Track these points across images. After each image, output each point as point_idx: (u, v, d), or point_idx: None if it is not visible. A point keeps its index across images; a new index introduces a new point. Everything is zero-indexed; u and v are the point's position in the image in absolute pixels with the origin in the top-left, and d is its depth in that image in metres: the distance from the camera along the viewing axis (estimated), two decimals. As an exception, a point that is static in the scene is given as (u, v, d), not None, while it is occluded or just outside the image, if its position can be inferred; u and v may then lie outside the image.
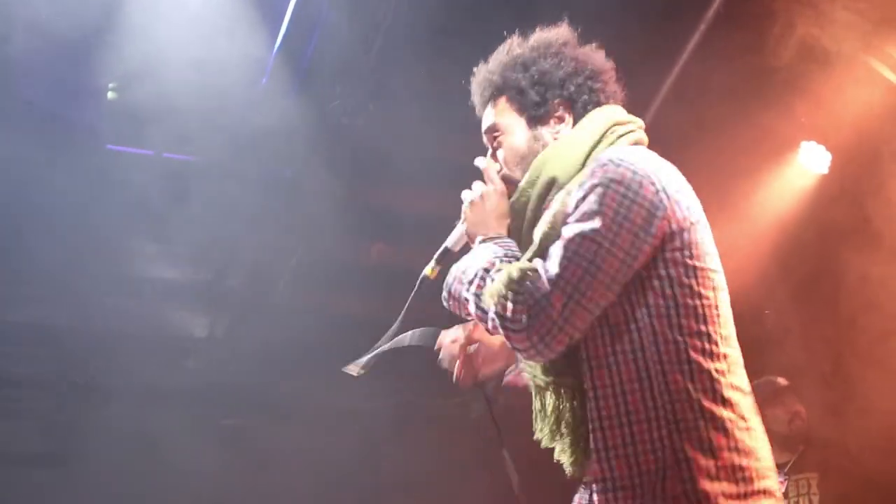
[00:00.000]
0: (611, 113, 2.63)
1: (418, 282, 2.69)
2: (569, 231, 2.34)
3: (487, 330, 2.43)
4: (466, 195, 2.65)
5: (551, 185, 2.52)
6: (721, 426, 2.29)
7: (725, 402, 2.31)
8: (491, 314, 2.36)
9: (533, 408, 2.56)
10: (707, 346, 2.33)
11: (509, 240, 2.55)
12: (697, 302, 2.35)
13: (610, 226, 2.31)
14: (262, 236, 6.13)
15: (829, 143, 5.68)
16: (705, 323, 2.35)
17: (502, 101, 2.67)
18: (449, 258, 2.67)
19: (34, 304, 6.25)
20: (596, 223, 2.31)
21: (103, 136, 5.60)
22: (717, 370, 2.33)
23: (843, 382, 5.38)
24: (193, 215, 5.79)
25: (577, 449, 2.41)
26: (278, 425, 6.73)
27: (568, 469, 2.47)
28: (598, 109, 2.63)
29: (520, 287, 2.30)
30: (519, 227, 2.57)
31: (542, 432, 2.50)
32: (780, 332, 5.84)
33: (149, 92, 5.18)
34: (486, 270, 2.43)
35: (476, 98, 2.74)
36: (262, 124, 5.38)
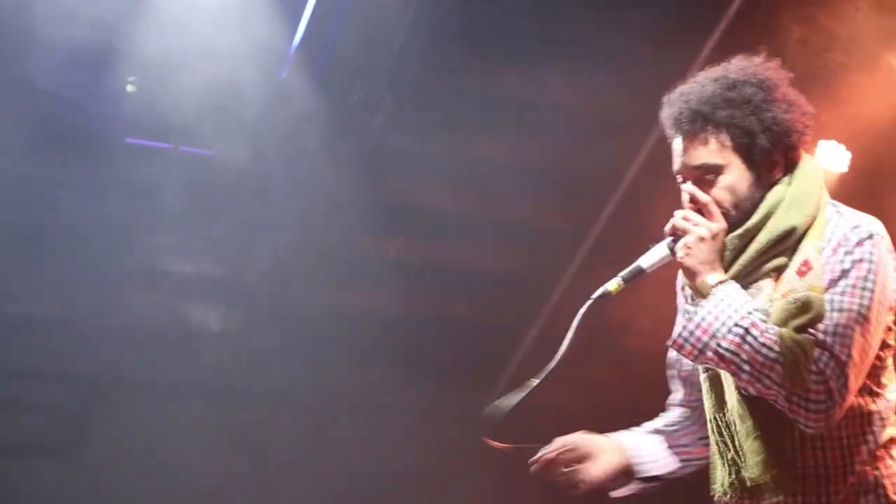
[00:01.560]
0: (818, 166, 2.67)
1: (597, 295, 2.64)
2: (843, 303, 2.41)
3: (765, 397, 2.43)
4: (686, 225, 2.56)
5: (786, 234, 2.52)
6: None
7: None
8: (786, 392, 2.38)
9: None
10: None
11: (740, 288, 2.51)
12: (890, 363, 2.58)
13: (877, 308, 2.43)
14: (279, 231, 6.13)
15: (849, 141, 5.66)
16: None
17: (723, 137, 2.56)
18: (636, 279, 2.64)
19: (51, 297, 6.25)
20: (867, 301, 2.41)
21: (122, 129, 5.61)
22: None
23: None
24: (210, 209, 5.79)
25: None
26: (291, 421, 6.72)
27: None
28: (808, 159, 2.65)
29: (817, 367, 2.36)
30: (729, 262, 2.55)
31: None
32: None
33: (168, 85, 5.18)
34: (750, 331, 2.42)
35: (680, 124, 2.60)
36: (281, 118, 5.38)
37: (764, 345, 2.37)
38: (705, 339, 2.44)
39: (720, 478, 2.62)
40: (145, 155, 5.70)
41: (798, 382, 2.34)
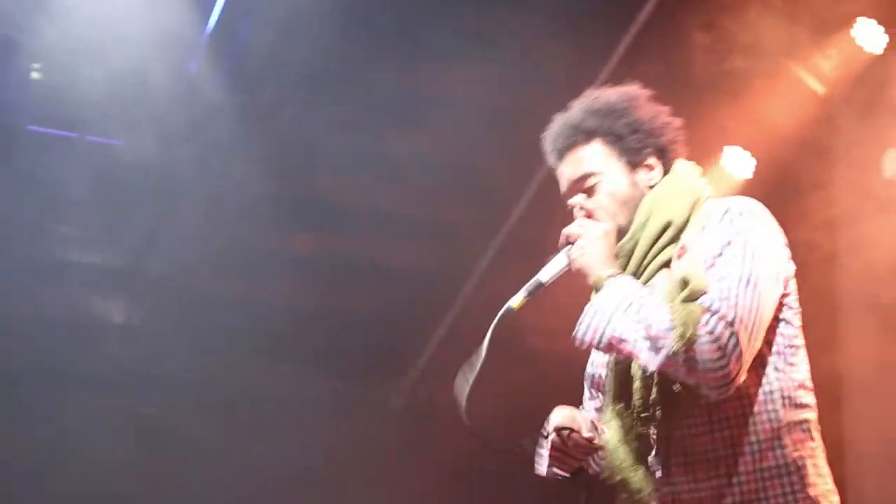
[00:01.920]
0: (695, 167, 2.78)
1: (502, 313, 2.64)
2: (724, 272, 2.47)
3: (665, 368, 2.46)
4: (578, 230, 2.65)
5: (665, 228, 2.62)
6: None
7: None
8: (682, 356, 2.42)
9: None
10: (807, 384, 2.63)
11: (631, 278, 2.58)
12: (798, 343, 2.63)
13: (759, 271, 2.48)
14: (184, 223, 6.07)
15: (754, 148, 5.77)
16: (804, 364, 2.64)
17: (596, 145, 2.70)
18: (538, 291, 2.67)
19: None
20: (747, 266, 2.48)
21: (25, 116, 5.51)
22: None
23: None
24: (115, 200, 5.72)
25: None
26: (195, 414, 6.66)
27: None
28: (682, 161, 2.76)
29: (707, 327, 2.41)
30: (623, 265, 2.63)
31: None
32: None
33: (74, 73, 5.10)
34: (641, 309, 2.48)
35: (557, 144, 2.75)
36: (191, 110, 5.33)
37: (657, 317, 2.45)
38: (602, 325, 2.51)
39: (618, 461, 2.66)
40: (49, 144, 5.60)
41: (691, 345, 2.40)
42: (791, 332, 2.60)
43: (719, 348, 2.40)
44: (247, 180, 5.78)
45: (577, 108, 2.75)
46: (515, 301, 2.66)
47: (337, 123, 5.62)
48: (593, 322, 2.52)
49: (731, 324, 2.41)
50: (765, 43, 5.35)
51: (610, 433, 2.68)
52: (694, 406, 2.54)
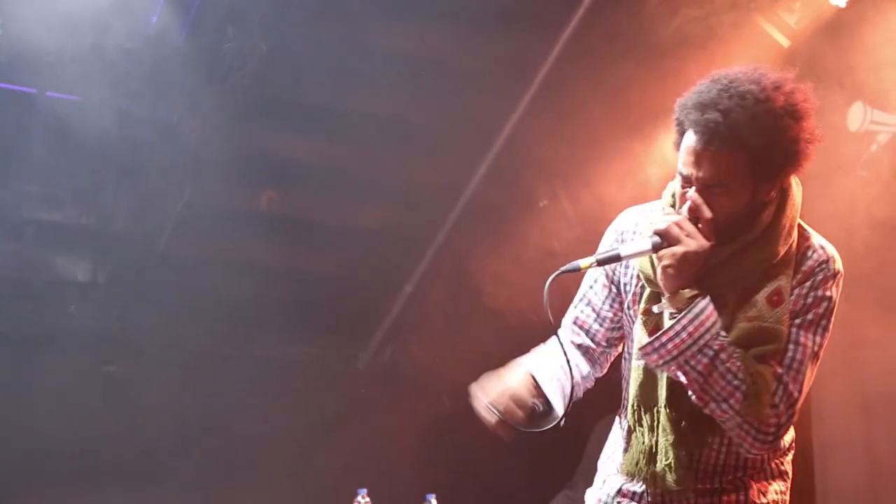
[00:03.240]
0: (799, 186, 2.72)
1: (568, 268, 2.61)
2: (802, 338, 2.56)
3: (715, 416, 2.54)
4: (680, 234, 2.56)
5: (768, 260, 2.60)
6: None
7: None
8: (741, 419, 2.51)
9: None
10: None
11: (711, 304, 2.56)
12: None
13: (825, 345, 2.61)
14: (148, 181, 6.01)
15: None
16: None
17: (743, 158, 2.54)
18: (610, 262, 2.66)
19: None
20: (820, 339, 2.58)
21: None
22: None
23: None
24: (77, 157, 5.65)
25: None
26: (160, 373, 6.63)
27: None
28: (796, 184, 2.70)
29: (773, 400, 2.51)
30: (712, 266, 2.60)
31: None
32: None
33: (34, 28, 5.02)
34: (719, 354, 2.52)
35: (711, 137, 2.54)
36: (151, 64, 5.26)
37: (730, 370, 2.48)
38: (675, 353, 2.52)
39: (629, 460, 2.77)
40: (8, 99, 5.52)
41: (756, 413, 2.48)
42: None
43: (777, 424, 2.51)
44: (208, 136, 5.73)
45: (750, 112, 2.52)
46: (585, 262, 2.62)
47: (301, 79, 5.58)
48: (666, 345, 2.53)
49: (794, 402, 2.52)
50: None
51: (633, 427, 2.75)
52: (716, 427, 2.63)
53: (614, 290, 2.85)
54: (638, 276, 2.76)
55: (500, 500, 6.83)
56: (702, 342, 2.49)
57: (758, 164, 2.54)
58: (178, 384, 6.50)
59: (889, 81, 5.22)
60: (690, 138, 2.58)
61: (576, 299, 2.95)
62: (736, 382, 2.47)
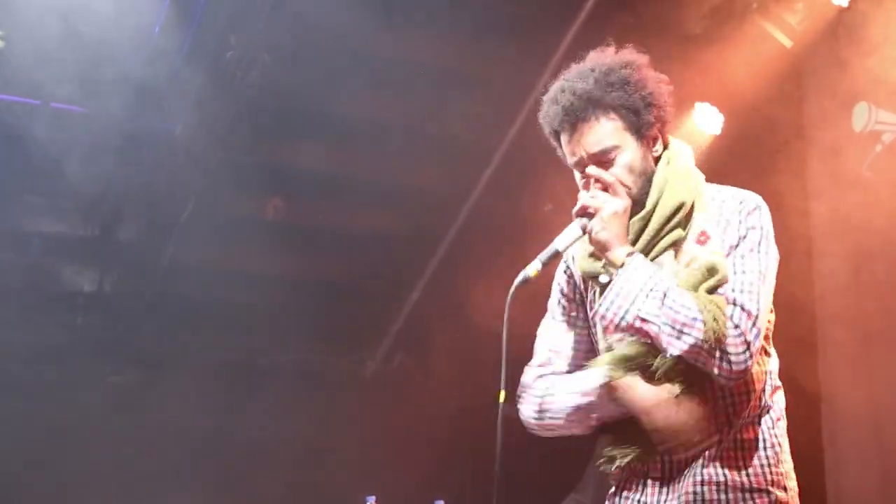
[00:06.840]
0: (687, 145, 2.86)
1: (519, 282, 2.68)
2: (745, 265, 2.63)
3: (686, 355, 2.56)
4: (596, 203, 2.67)
5: (678, 209, 2.69)
6: None
7: None
8: (708, 346, 2.55)
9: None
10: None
11: (646, 259, 2.65)
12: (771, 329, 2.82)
13: (771, 268, 2.68)
14: (153, 190, 6.02)
15: (722, 104, 5.76)
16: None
17: (614, 118, 2.70)
18: (553, 260, 2.71)
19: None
20: (764, 261, 2.65)
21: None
22: None
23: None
24: (82, 168, 5.66)
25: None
26: (166, 383, 6.64)
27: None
28: (676, 140, 2.84)
29: (733, 321, 2.56)
30: (632, 241, 2.70)
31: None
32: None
33: (38, 40, 5.04)
34: (668, 293, 2.58)
35: (570, 116, 2.70)
36: (155, 75, 5.28)
37: (683, 305, 2.56)
38: (626, 305, 2.60)
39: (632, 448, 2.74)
40: (13, 111, 5.54)
41: (719, 337, 2.53)
42: (772, 319, 2.76)
43: (745, 342, 2.56)
44: (214, 145, 5.74)
45: (591, 80, 2.72)
46: (532, 270, 2.69)
47: (303, 88, 5.59)
48: (616, 301, 2.62)
49: (755, 319, 2.57)
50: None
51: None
52: (704, 377, 2.64)
53: (581, 311, 2.90)
54: (586, 281, 2.85)
55: (508, 505, 6.82)
56: (647, 287, 2.59)
57: (625, 117, 2.70)
58: (185, 394, 6.51)
59: (893, 81, 5.22)
60: (562, 131, 2.74)
61: (539, 344, 2.97)
62: (692, 314, 2.54)
